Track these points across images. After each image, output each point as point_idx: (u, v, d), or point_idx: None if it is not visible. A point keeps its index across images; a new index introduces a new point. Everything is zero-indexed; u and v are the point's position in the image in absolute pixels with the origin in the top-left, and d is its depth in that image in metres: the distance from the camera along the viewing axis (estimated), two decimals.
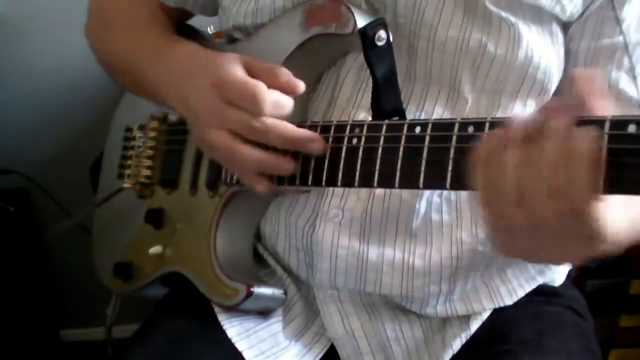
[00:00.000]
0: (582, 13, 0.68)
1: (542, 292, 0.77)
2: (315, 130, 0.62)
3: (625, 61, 0.68)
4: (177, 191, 0.82)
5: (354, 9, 0.64)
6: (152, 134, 0.87)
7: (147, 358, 0.70)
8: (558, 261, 0.67)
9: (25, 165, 1.51)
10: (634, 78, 0.69)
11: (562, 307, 0.78)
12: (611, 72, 0.68)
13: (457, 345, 0.73)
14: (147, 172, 0.86)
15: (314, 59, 0.70)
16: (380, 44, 0.62)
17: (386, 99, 0.63)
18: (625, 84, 0.68)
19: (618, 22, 0.67)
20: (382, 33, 0.63)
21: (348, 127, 0.59)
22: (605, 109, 0.45)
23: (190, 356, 0.70)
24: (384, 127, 0.56)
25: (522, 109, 0.68)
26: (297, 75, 0.70)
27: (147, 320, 0.77)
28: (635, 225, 0.58)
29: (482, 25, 0.65)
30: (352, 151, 0.58)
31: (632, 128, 0.41)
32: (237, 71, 0.63)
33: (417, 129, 0.52)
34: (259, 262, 0.79)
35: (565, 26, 0.69)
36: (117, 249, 0.89)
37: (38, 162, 1.54)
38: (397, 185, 0.55)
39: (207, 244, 0.74)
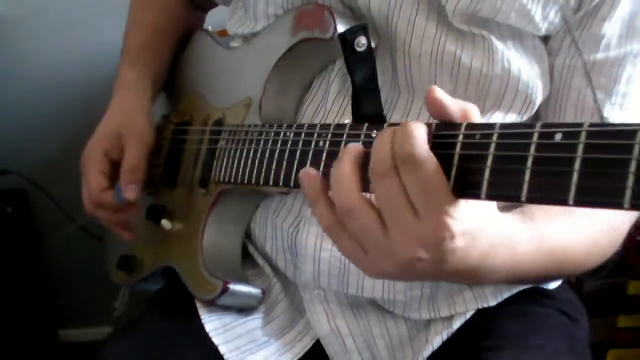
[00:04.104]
0: (561, 29, 0.67)
1: (532, 293, 0.76)
2: (290, 132, 0.63)
3: (603, 79, 0.67)
4: (177, 189, 0.84)
5: (337, 15, 0.65)
6: (163, 133, 0.89)
7: (129, 350, 0.71)
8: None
9: (23, 166, 1.52)
10: (610, 97, 0.67)
11: (551, 308, 0.77)
12: (586, 89, 0.67)
13: (437, 342, 0.72)
14: (153, 170, 0.88)
15: (304, 63, 0.71)
16: (360, 49, 0.62)
17: (365, 105, 0.63)
18: (600, 103, 0.67)
19: (597, 38, 0.66)
20: (362, 39, 0.62)
21: (316, 130, 0.60)
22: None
23: (170, 349, 0.71)
24: (346, 131, 0.56)
25: (508, 116, 0.68)
26: (288, 78, 0.72)
27: (134, 314, 0.79)
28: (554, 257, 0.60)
29: (455, 39, 0.65)
30: (318, 153, 0.58)
31: (558, 136, 0.41)
32: (138, 149, 0.80)
33: (374, 133, 0.53)
34: (250, 261, 0.81)
35: (547, 40, 0.68)
36: (125, 243, 0.91)
37: (36, 163, 1.55)
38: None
39: (197, 241, 0.76)
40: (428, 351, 0.72)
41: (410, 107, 0.69)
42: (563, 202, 0.40)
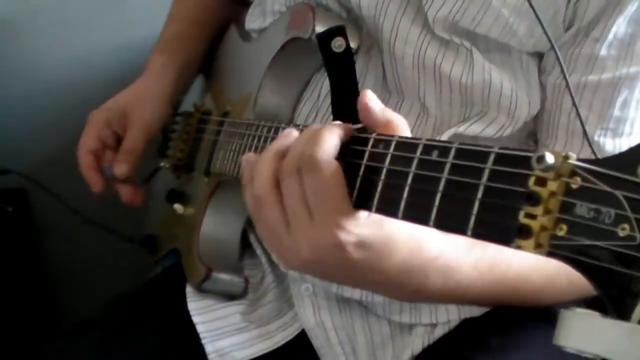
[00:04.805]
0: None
1: (528, 307, 0.70)
2: (264, 129, 0.65)
3: (595, 102, 0.64)
4: (193, 175, 0.88)
5: (320, 15, 0.65)
6: (190, 120, 0.92)
7: (104, 320, 0.75)
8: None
9: (23, 165, 1.51)
10: (602, 121, 0.65)
11: (545, 323, 0.69)
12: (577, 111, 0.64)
13: (417, 347, 0.72)
14: (180, 155, 0.92)
15: (298, 62, 0.72)
16: (337, 50, 0.62)
17: (345, 105, 0.63)
18: (592, 127, 0.65)
19: (590, 59, 0.63)
20: (338, 40, 0.62)
21: (281, 127, 0.61)
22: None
23: (150, 322, 0.74)
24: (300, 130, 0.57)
25: (488, 129, 0.67)
26: (283, 76, 0.73)
27: (125, 292, 0.83)
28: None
29: (437, 45, 0.64)
30: None
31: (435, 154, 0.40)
32: (138, 134, 0.85)
33: None
34: (250, 251, 0.83)
35: (541, 57, 0.66)
36: (155, 222, 0.97)
37: (37, 162, 1.54)
38: None
39: (197, 227, 0.79)
40: (407, 355, 0.72)
41: (399, 110, 0.68)
42: (425, 223, 0.39)
